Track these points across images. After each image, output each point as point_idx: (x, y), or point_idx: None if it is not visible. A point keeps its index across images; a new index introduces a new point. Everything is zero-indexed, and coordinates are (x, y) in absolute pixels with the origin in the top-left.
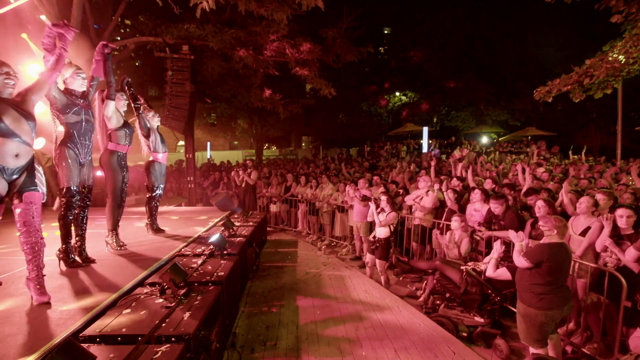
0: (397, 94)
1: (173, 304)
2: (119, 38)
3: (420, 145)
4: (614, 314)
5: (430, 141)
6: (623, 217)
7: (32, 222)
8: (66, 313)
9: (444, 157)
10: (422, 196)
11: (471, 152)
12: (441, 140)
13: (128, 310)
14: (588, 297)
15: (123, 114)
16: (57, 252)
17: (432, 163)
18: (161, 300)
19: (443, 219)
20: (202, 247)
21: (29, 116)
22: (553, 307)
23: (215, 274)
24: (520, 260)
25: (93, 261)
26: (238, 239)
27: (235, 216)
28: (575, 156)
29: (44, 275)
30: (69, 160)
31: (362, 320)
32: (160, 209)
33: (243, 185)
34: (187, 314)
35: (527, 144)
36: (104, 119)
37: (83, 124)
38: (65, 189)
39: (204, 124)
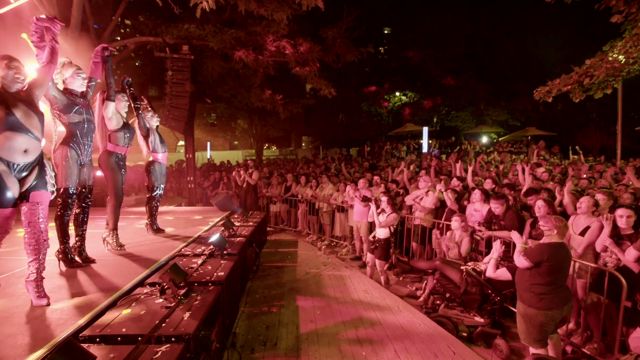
0: (397, 94)
1: (173, 304)
2: (119, 38)
3: (420, 145)
4: (614, 314)
5: (430, 141)
6: (623, 217)
7: (38, 223)
8: (66, 313)
9: (443, 157)
10: (422, 196)
11: (471, 150)
12: (441, 140)
13: (128, 311)
14: (588, 297)
15: (124, 115)
16: (56, 252)
17: (432, 163)
18: (161, 300)
19: (443, 219)
20: (202, 247)
21: (37, 111)
22: (553, 307)
23: (215, 274)
24: (520, 260)
25: (93, 261)
26: (238, 239)
27: (235, 216)
28: (575, 156)
29: (43, 277)
30: (70, 161)
31: (362, 320)
32: (160, 209)
33: (244, 186)
34: (187, 314)
35: (527, 144)
36: (104, 120)
37: (85, 124)
38: (63, 189)
39: (204, 124)
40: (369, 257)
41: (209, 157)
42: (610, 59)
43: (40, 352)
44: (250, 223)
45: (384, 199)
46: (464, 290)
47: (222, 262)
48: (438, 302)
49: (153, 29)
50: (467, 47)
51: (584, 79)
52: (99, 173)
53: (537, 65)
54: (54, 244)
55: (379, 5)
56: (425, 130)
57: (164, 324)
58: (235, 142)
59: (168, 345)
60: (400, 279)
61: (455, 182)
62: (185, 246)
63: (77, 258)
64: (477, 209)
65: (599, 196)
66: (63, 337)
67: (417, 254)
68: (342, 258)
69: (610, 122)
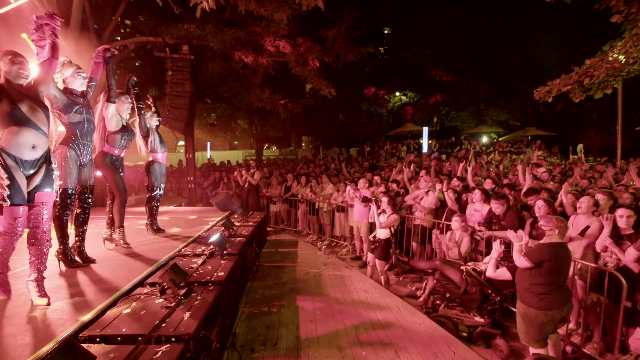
0: (397, 94)
1: (173, 304)
2: (119, 38)
3: (420, 145)
4: (614, 314)
5: (430, 141)
6: (623, 217)
7: (42, 223)
8: (66, 313)
9: (443, 157)
10: (422, 196)
11: (471, 150)
12: (441, 141)
13: (128, 311)
14: (588, 297)
15: (126, 118)
16: (56, 252)
17: (432, 163)
18: (161, 300)
19: (443, 219)
20: (202, 247)
21: (43, 105)
22: (553, 307)
23: (215, 274)
24: (520, 260)
25: (93, 261)
26: (238, 239)
27: (235, 216)
28: (575, 156)
29: (44, 277)
30: (69, 161)
31: (362, 320)
32: (160, 209)
33: (246, 186)
34: (187, 314)
35: (527, 144)
36: (104, 121)
37: (85, 124)
38: (62, 189)
39: (204, 124)
40: (369, 256)
41: (209, 157)
42: (610, 59)
43: (40, 352)
44: (250, 223)
45: (384, 199)
46: (464, 290)
47: (222, 262)
48: (438, 302)
49: (153, 29)
50: (467, 47)
51: (584, 79)
52: (99, 173)
53: (537, 65)
54: (53, 244)
55: (379, 5)
56: (425, 130)
57: (164, 324)
58: (235, 142)
59: (168, 345)
60: (400, 279)
61: (455, 182)
62: (185, 246)
63: (77, 258)
64: (477, 209)
65: (599, 196)
66: (63, 337)
67: (417, 254)
68: (342, 258)
69: (610, 122)
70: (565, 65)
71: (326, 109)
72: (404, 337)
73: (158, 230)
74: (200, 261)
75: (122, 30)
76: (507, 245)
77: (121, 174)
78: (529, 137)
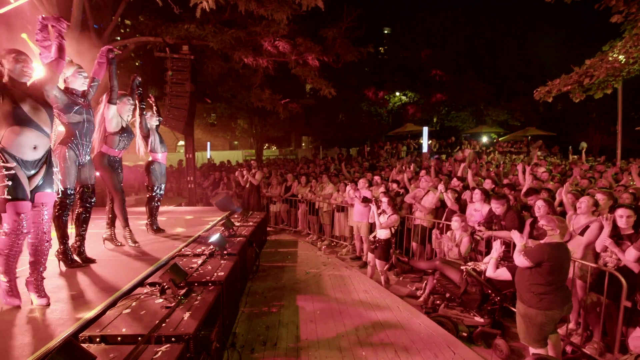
0: (397, 94)
1: (173, 304)
2: (119, 38)
3: (420, 145)
4: (614, 314)
5: (430, 141)
6: (623, 217)
7: (42, 224)
8: (66, 313)
9: (443, 157)
10: (422, 195)
11: (472, 152)
12: (441, 141)
13: (128, 310)
14: (588, 297)
15: (127, 119)
16: (56, 252)
17: (432, 163)
18: (161, 300)
19: (443, 219)
20: (202, 247)
21: (46, 105)
22: (553, 307)
23: (215, 274)
24: (521, 260)
25: (93, 261)
26: (238, 239)
27: (235, 216)
28: (575, 156)
29: (44, 278)
30: (68, 161)
31: (362, 320)
32: (160, 209)
33: (247, 186)
34: (187, 314)
35: (527, 144)
36: (105, 121)
37: (85, 124)
38: (61, 189)
39: (204, 124)
40: (369, 256)
41: (209, 157)
42: (610, 59)
43: (40, 352)
44: (250, 223)
45: (384, 199)
46: (464, 290)
47: (222, 262)
48: (438, 302)
49: (153, 29)
50: (467, 47)
51: (584, 79)
52: (97, 173)
53: (537, 65)
54: (53, 244)
55: (379, 5)
56: (425, 130)
57: (164, 324)
58: (235, 142)
59: (168, 345)
60: (400, 279)
61: (455, 182)
62: (185, 246)
63: (76, 258)
64: (477, 209)
65: (599, 196)
66: (63, 337)
67: (417, 254)
68: (342, 258)
69: (610, 122)
70: (565, 65)
71: (326, 109)
72: (404, 337)
73: (158, 230)
74: (200, 261)
75: (122, 30)
76: (507, 245)
77: (120, 174)
78: (529, 137)
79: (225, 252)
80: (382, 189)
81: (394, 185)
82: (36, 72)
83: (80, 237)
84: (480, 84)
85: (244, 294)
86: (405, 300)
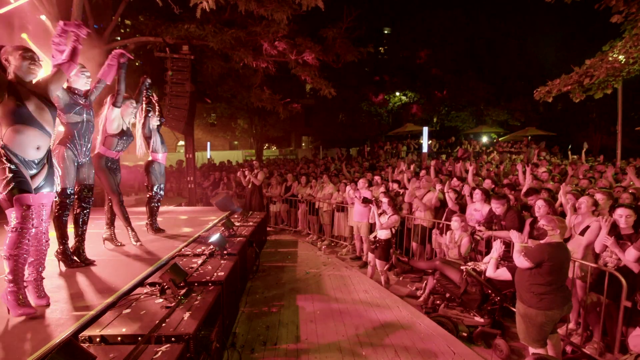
0: (397, 94)
1: (173, 304)
2: (119, 38)
3: (420, 145)
4: (614, 314)
5: (430, 141)
6: (622, 216)
7: (40, 224)
8: (66, 313)
9: (443, 157)
10: (422, 193)
11: (471, 150)
12: (441, 141)
13: (128, 311)
14: (588, 297)
15: (128, 122)
16: (56, 252)
17: (432, 163)
18: (161, 300)
19: (443, 219)
20: (202, 247)
21: (51, 104)
22: (553, 307)
23: (215, 274)
24: (521, 260)
25: (93, 262)
26: (238, 239)
27: (235, 216)
28: (575, 156)
29: (44, 278)
30: (66, 161)
31: (362, 320)
32: (161, 208)
33: (249, 187)
34: (187, 314)
35: (527, 144)
36: (106, 123)
37: (84, 124)
38: (61, 189)
39: (204, 124)
40: (370, 256)
41: (209, 157)
42: (610, 59)
43: (40, 352)
44: (250, 223)
45: (384, 200)
46: (464, 290)
47: (222, 262)
48: (438, 302)
49: (153, 29)
50: (467, 47)
51: (584, 79)
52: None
53: (537, 65)
54: (53, 244)
55: (379, 5)
56: (425, 130)
57: (164, 324)
58: (235, 142)
59: (168, 345)
60: (400, 279)
61: (455, 182)
62: (185, 246)
63: (76, 258)
64: (477, 208)
65: (599, 196)
66: (63, 337)
67: (417, 254)
68: (342, 258)
69: (610, 122)
70: (565, 65)
71: (326, 109)
72: (404, 337)
73: (158, 230)
74: (200, 261)
75: (122, 30)
76: (507, 245)
77: (117, 175)
78: (529, 137)
79: (225, 252)
80: (382, 189)
81: (395, 186)
82: (42, 70)
83: (80, 237)
84: (480, 84)
85: (244, 294)
86: (405, 300)
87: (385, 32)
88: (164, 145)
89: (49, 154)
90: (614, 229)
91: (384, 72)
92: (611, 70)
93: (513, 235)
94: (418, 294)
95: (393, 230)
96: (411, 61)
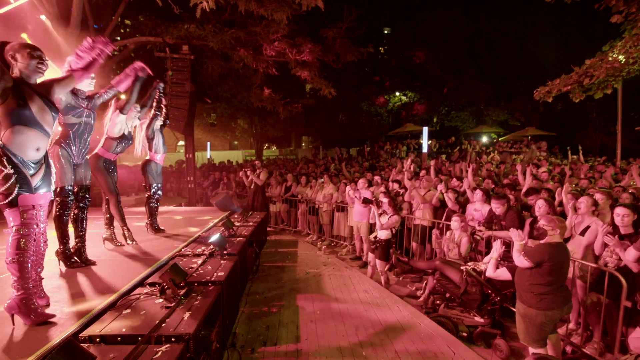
0: (397, 94)
1: (173, 304)
2: (119, 38)
3: (420, 145)
4: (614, 314)
5: (430, 141)
6: (620, 215)
7: (38, 225)
8: (66, 313)
9: (443, 157)
10: (423, 193)
11: (472, 152)
12: (441, 141)
13: (128, 311)
14: (588, 297)
15: (130, 126)
16: (56, 252)
17: (432, 163)
18: (161, 300)
19: (443, 219)
20: (202, 247)
21: (52, 106)
22: (553, 307)
23: (215, 274)
24: (521, 260)
25: (93, 262)
26: (238, 239)
27: (235, 216)
28: (575, 156)
29: (43, 278)
30: (62, 160)
31: (362, 320)
32: (160, 208)
33: (252, 187)
34: (187, 314)
35: (527, 144)
36: (108, 125)
37: (82, 126)
38: (60, 188)
39: (204, 124)
40: (370, 257)
41: (209, 157)
42: (610, 59)
43: (40, 352)
44: (250, 223)
45: (385, 200)
46: (464, 290)
47: (222, 262)
48: (438, 302)
49: (153, 29)
50: (467, 47)
51: (584, 79)
52: None
53: (537, 65)
54: (53, 244)
55: (379, 5)
56: (425, 130)
57: (164, 324)
58: (235, 142)
59: (168, 345)
60: (400, 279)
61: (455, 182)
62: (185, 246)
63: (76, 258)
64: (477, 208)
65: (598, 196)
66: (63, 337)
67: (417, 254)
68: (342, 258)
69: (610, 122)
70: (565, 65)
71: (326, 109)
72: (404, 337)
73: (158, 230)
74: (200, 261)
75: (122, 30)
76: (507, 245)
77: (114, 175)
78: (529, 137)
79: (225, 252)
80: (382, 189)
81: (395, 185)
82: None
83: (80, 238)
84: (480, 84)
85: (244, 294)
86: (405, 300)
87: (385, 32)
88: (164, 146)
89: (46, 154)
90: (614, 230)
91: (384, 72)
92: (611, 70)
93: (513, 233)
94: (418, 294)
95: (393, 230)
96: (411, 61)
